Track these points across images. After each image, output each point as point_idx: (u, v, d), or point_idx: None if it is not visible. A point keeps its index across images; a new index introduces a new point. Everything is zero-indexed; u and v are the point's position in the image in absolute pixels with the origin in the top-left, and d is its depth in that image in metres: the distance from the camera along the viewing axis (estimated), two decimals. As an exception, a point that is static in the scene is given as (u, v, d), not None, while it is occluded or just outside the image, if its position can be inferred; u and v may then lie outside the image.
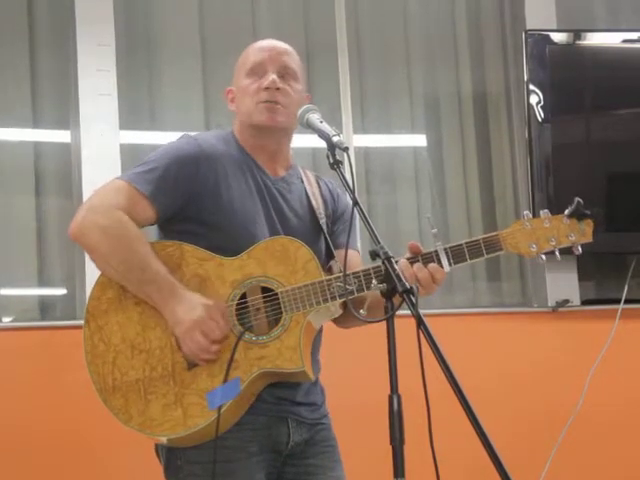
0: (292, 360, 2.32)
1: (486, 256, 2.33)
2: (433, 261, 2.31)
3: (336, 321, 2.52)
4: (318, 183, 2.65)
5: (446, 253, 2.32)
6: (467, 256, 2.32)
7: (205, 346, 2.29)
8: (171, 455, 2.40)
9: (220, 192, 2.42)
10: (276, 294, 2.36)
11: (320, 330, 2.51)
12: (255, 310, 2.35)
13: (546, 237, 2.32)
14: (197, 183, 2.40)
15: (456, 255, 2.32)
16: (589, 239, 2.32)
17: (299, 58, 2.59)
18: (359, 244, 2.64)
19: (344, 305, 2.39)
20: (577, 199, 2.33)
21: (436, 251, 2.32)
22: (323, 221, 2.55)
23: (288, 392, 2.42)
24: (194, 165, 2.41)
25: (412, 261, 2.32)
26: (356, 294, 2.32)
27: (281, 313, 2.35)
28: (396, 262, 2.21)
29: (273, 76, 2.47)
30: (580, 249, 2.33)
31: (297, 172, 2.61)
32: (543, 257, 2.33)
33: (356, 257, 2.57)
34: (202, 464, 2.32)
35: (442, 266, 2.31)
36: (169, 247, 2.40)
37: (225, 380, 2.28)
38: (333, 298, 2.34)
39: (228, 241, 2.39)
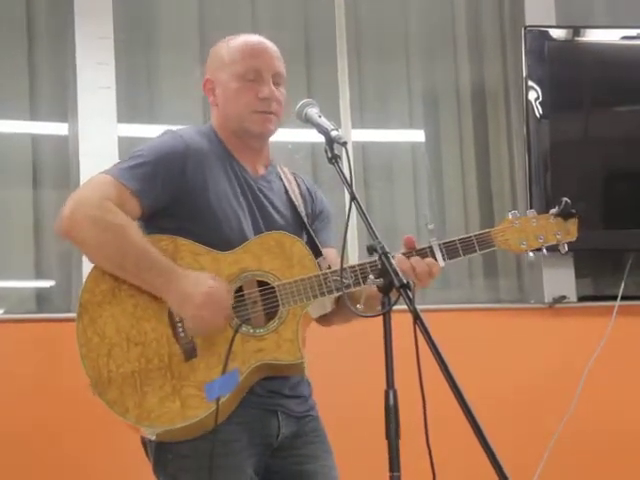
0: (290, 352, 2.33)
1: (479, 252, 2.41)
2: (428, 256, 2.36)
3: (320, 319, 2.53)
4: (296, 181, 2.66)
5: (440, 249, 2.37)
6: (460, 252, 2.39)
7: (224, 311, 2.29)
8: (160, 449, 2.39)
9: (208, 189, 2.41)
10: (272, 288, 2.37)
11: None
12: (252, 303, 2.36)
13: (535, 235, 2.42)
14: (184, 180, 2.40)
15: (450, 251, 2.38)
16: (574, 237, 2.43)
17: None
18: (335, 241, 2.65)
19: (336, 301, 2.40)
20: (565, 199, 2.42)
21: (431, 247, 2.37)
22: (304, 215, 2.56)
23: (278, 385, 2.43)
24: (181, 162, 2.40)
25: (407, 256, 2.35)
26: (353, 288, 2.34)
27: (277, 306, 2.35)
28: (392, 257, 2.22)
29: (270, 86, 2.48)
30: (566, 247, 2.43)
31: (276, 170, 2.62)
32: (531, 254, 2.45)
33: (333, 254, 2.56)
34: (192, 457, 2.33)
35: (437, 260, 2.36)
36: (163, 241, 2.39)
37: (223, 371, 2.28)
38: (330, 292, 2.36)
39: (215, 238, 2.39)
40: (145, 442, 2.44)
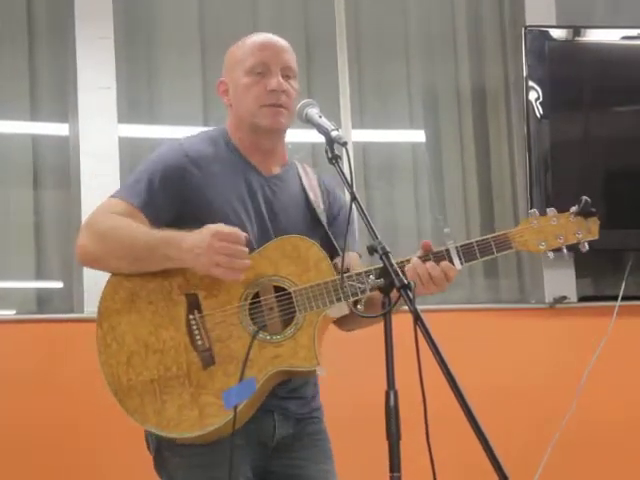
0: (307, 359, 2.32)
1: (496, 254, 2.37)
2: (445, 259, 2.33)
3: (340, 323, 2.52)
4: (317, 179, 2.63)
5: (457, 252, 2.34)
6: (478, 254, 2.35)
7: (230, 247, 2.27)
8: (160, 446, 2.41)
9: (208, 197, 2.41)
10: (289, 293, 2.36)
11: None
12: (268, 309, 2.36)
13: (554, 235, 2.37)
14: (184, 191, 2.41)
15: (467, 254, 2.35)
16: (595, 236, 2.38)
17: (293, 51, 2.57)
18: (357, 246, 2.62)
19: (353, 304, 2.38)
20: (585, 198, 2.38)
21: (447, 250, 2.34)
22: (323, 215, 2.54)
23: (276, 387, 2.41)
24: (180, 173, 2.41)
25: (424, 259, 2.33)
26: (369, 292, 2.32)
27: (294, 312, 2.35)
28: (408, 260, 2.23)
29: (279, 78, 2.46)
30: (587, 246, 2.39)
31: (293, 168, 2.60)
32: (550, 254, 2.39)
33: (355, 260, 2.55)
34: (190, 457, 2.36)
35: (454, 264, 2.33)
36: None
37: (240, 379, 2.29)
38: (347, 297, 2.34)
39: None
40: (147, 438, 2.46)
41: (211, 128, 2.62)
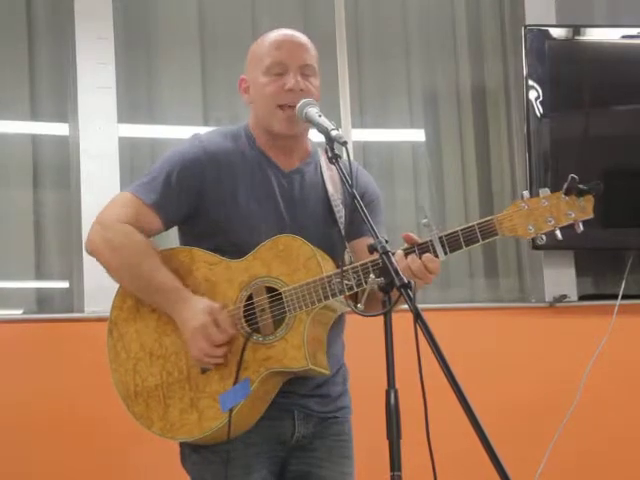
0: (297, 359, 2.32)
1: (482, 242, 2.27)
2: (429, 251, 2.27)
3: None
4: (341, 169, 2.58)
5: (441, 241, 2.27)
6: (462, 243, 2.27)
7: (209, 351, 2.33)
8: (182, 442, 2.47)
9: (225, 193, 2.43)
10: (279, 294, 2.36)
11: (339, 321, 2.50)
12: (261, 311, 2.36)
13: (544, 217, 2.24)
14: (201, 186, 2.42)
15: (451, 243, 2.27)
16: (589, 215, 2.24)
17: (313, 46, 2.55)
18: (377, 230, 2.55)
19: (354, 296, 2.34)
20: (571, 175, 2.23)
21: (431, 240, 2.27)
22: (339, 208, 2.50)
23: (295, 385, 2.42)
24: (197, 169, 2.43)
25: (408, 252, 2.29)
26: (356, 289, 2.30)
27: (285, 313, 2.35)
28: (393, 254, 2.21)
29: (297, 78, 2.44)
30: (582, 226, 2.24)
31: (315, 159, 2.57)
32: (543, 237, 2.25)
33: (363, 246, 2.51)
34: (205, 454, 2.41)
35: (437, 255, 2.27)
36: (180, 253, 2.44)
37: (235, 382, 2.32)
38: (334, 295, 2.32)
39: (237, 240, 2.41)
40: None
41: (235, 124, 2.61)
